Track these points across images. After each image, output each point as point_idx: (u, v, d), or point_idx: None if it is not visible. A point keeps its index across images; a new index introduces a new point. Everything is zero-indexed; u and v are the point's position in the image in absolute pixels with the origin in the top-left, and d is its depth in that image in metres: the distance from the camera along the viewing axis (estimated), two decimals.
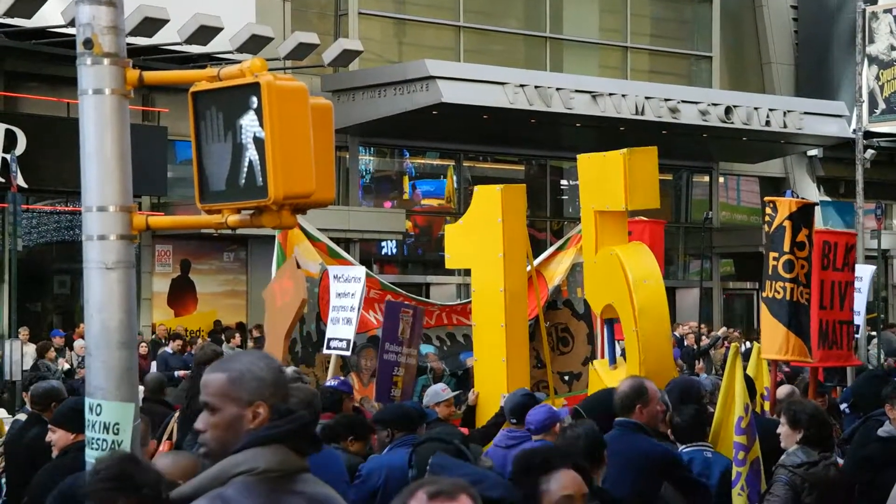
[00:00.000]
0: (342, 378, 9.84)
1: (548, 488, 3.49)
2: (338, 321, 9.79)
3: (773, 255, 9.21)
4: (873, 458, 6.89)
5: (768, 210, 9.35)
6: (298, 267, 10.27)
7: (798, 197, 9.78)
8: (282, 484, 3.49)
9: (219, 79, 4.29)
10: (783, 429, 6.39)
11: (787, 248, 9.23)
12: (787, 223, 9.21)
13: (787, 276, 9.22)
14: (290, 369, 8.98)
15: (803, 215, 9.33)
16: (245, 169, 4.25)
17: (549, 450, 3.71)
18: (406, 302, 10.56)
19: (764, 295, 9.33)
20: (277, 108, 4.13)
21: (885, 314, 31.82)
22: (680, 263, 30.63)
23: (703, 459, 6.31)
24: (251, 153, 4.22)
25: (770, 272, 9.22)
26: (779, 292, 9.22)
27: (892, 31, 29.70)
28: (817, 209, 30.53)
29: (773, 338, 9.17)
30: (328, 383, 9.21)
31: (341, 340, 9.73)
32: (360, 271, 9.95)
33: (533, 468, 3.53)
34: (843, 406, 9.74)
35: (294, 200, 4.27)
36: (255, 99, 4.16)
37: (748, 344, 19.79)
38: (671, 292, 29.09)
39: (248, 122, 4.20)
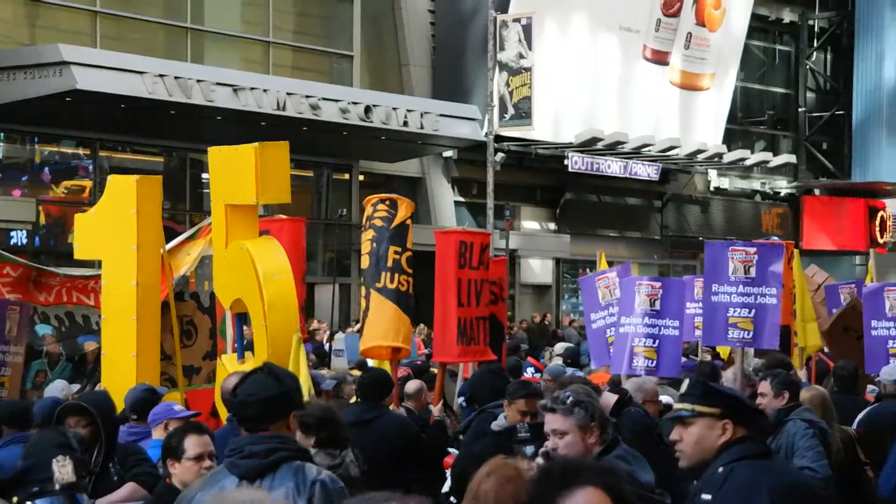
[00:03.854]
0: None
1: None
2: None
3: (394, 248, 9.66)
4: (484, 454, 7.10)
5: (383, 206, 9.76)
6: None
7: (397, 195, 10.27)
8: None
9: None
10: (297, 435, 6.46)
11: (409, 245, 9.69)
12: (409, 222, 9.70)
13: (409, 271, 9.70)
14: None
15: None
16: None
17: (576, 463, 3.18)
18: (14, 296, 10.08)
19: (379, 285, 9.68)
20: None
21: (513, 312, 33.28)
22: (320, 260, 30.88)
23: None
24: None
25: (391, 264, 9.63)
26: (403, 285, 9.66)
27: (520, 40, 31.11)
28: (453, 208, 31.84)
29: (394, 326, 9.57)
30: None
31: None
32: None
33: (553, 480, 3.06)
34: (459, 400, 10.10)
35: None
36: None
37: None
38: (311, 288, 29.29)
39: None
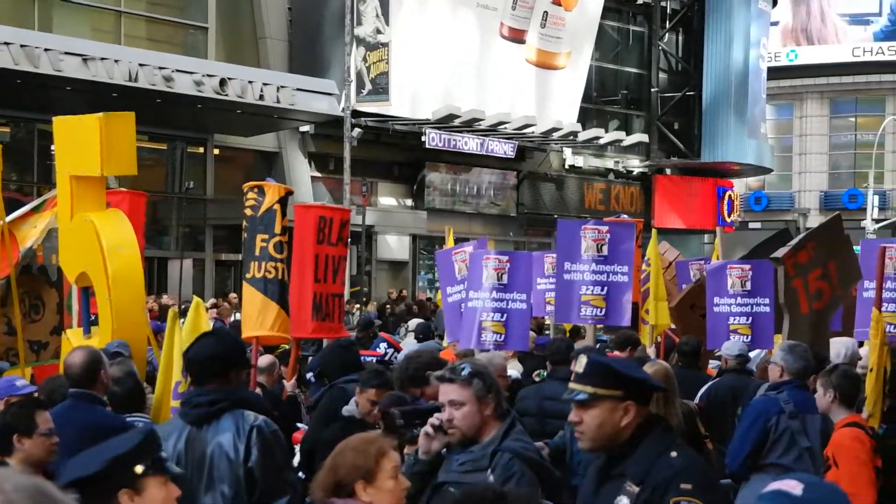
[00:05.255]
0: None
1: None
2: None
3: (262, 236, 9.59)
4: (335, 440, 7.07)
5: (252, 195, 9.69)
6: None
7: (275, 182, 10.17)
8: None
9: None
10: None
11: (277, 230, 9.61)
12: (277, 207, 9.63)
13: (279, 256, 9.64)
14: None
15: (285, 201, 9.82)
16: None
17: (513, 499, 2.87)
18: None
19: (249, 276, 9.66)
20: None
21: (370, 288, 33.30)
22: (174, 234, 30.43)
23: None
24: None
25: (258, 253, 9.58)
26: (270, 272, 9.61)
27: (378, 15, 31.04)
28: (310, 183, 31.66)
29: (264, 315, 9.52)
30: None
31: None
32: None
33: None
34: (309, 375, 10.09)
35: None
36: None
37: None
38: (163, 263, 28.85)
39: None
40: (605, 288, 10.35)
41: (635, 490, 4.16)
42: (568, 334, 13.35)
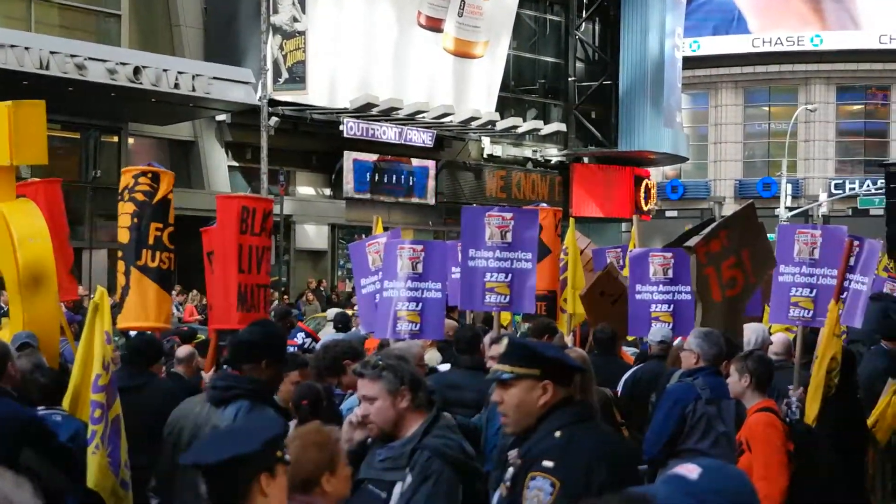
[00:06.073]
0: None
1: None
2: None
3: (156, 224, 9.57)
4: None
5: (145, 179, 9.63)
6: None
7: (163, 168, 10.12)
8: None
9: None
10: None
11: (171, 220, 9.60)
12: (171, 196, 9.62)
13: (171, 247, 9.64)
14: None
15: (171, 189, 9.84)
16: None
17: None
18: None
19: (140, 263, 9.62)
20: None
21: (289, 278, 33.12)
22: (88, 224, 29.97)
23: (53, 423, 6.21)
24: None
25: (152, 242, 9.54)
26: (164, 262, 9.60)
27: (294, 3, 30.83)
28: (227, 172, 31.34)
29: (158, 306, 9.50)
30: None
31: None
32: None
33: None
34: (226, 366, 10.03)
35: None
36: None
37: None
38: (79, 253, 28.42)
39: None
40: (510, 275, 10.35)
41: (518, 463, 4.27)
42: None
